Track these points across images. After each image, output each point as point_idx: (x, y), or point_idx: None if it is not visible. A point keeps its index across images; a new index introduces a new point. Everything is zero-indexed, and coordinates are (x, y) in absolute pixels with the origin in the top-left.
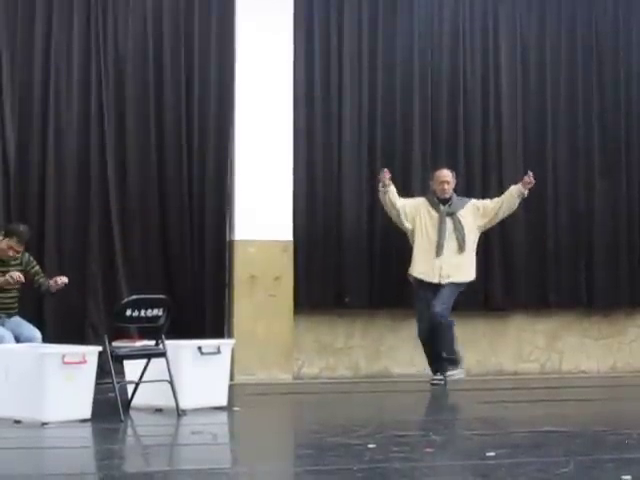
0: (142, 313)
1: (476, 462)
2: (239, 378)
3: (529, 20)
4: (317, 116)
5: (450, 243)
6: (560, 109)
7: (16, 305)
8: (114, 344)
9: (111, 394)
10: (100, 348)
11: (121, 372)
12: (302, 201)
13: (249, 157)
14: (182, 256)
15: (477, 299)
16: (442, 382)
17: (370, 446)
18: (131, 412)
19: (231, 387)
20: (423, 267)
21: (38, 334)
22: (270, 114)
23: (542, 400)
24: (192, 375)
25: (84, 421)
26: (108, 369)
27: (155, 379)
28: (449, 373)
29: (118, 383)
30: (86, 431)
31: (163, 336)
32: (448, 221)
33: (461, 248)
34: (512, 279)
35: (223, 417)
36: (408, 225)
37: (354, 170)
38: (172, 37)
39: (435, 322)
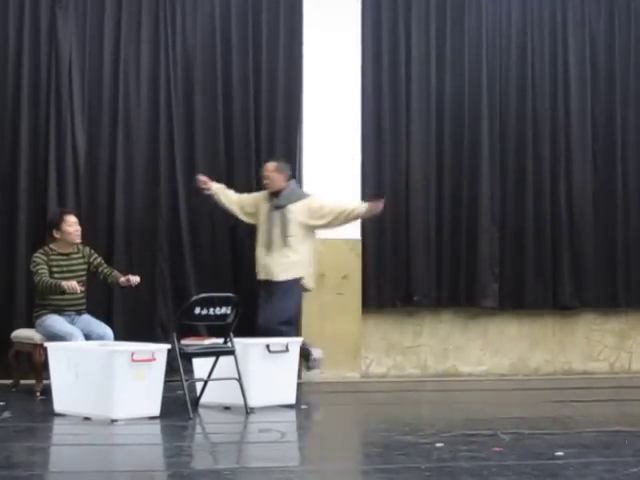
0: (210, 311)
1: (545, 462)
2: (307, 376)
3: (598, 19)
4: (385, 113)
5: (277, 238)
6: (630, 107)
7: (84, 302)
8: (183, 342)
9: (180, 392)
10: (169, 346)
11: (190, 370)
12: (370, 200)
13: (317, 155)
14: (250, 255)
15: (546, 298)
16: None
17: (438, 445)
18: (200, 410)
19: (299, 385)
20: (257, 263)
21: (109, 331)
22: (338, 112)
23: (611, 400)
24: (260, 373)
25: (153, 418)
26: (177, 367)
27: (224, 377)
28: None
29: (187, 381)
30: (155, 428)
31: (231, 334)
32: (275, 215)
33: (284, 244)
34: (581, 278)
35: (291, 415)
36: (249, 219)
37: (422, 169)
38: (240, 34)
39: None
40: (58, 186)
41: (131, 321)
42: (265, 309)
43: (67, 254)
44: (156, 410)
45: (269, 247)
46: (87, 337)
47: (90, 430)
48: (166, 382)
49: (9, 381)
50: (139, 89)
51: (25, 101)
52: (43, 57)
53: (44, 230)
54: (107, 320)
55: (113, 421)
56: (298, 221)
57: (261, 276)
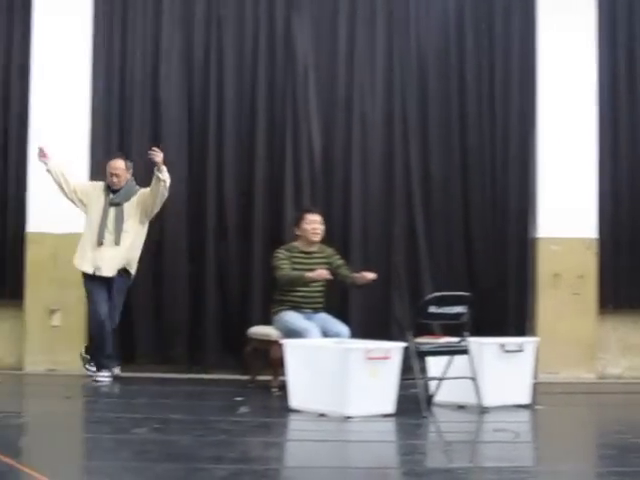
0: (445, 310)
1: None
2: (542, 376)
3: None
4: (621, 111)
5: (110, 235)
6: None
7: (322, 300)
8: (418, 340)
9: (414, 390)
10: (404, 344)
11: (424, 368)
12: (607, 199)
13: (553, 154)
14: (485, 253)
15: None
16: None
17: None
18: (434, 408)
19: (534, 385)
20: (82, 256)
21: (345, 329)
22: (574, 111)
23: None
24: (495, 372)
25: (387, 416)
26: (412, 365)
27: (458, 376)
28: (100, 373)
29: (421, 379)
30: (389, 426)
31: (466, 333)
32: (111, 211)
33: (116, 242)
34: None
35: (525, 415)
36: (79, 206)
37: None
38: (474, 36)
39: (104, 322)
40: (294, 187)
41: (367, 319)
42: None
43: (309, 253)
44: (390, 408)
45: (99, 241)
46: (323, 335)
47: (325, 426)
48: (401, 380)
49: (246, 377)
50: (374, 90)
51: (262, 103)
52: (279, 59)
53: (280, 230)
54: (343, 318)
55: (348, 418)
56: (134, 218)
57: (83, 267)
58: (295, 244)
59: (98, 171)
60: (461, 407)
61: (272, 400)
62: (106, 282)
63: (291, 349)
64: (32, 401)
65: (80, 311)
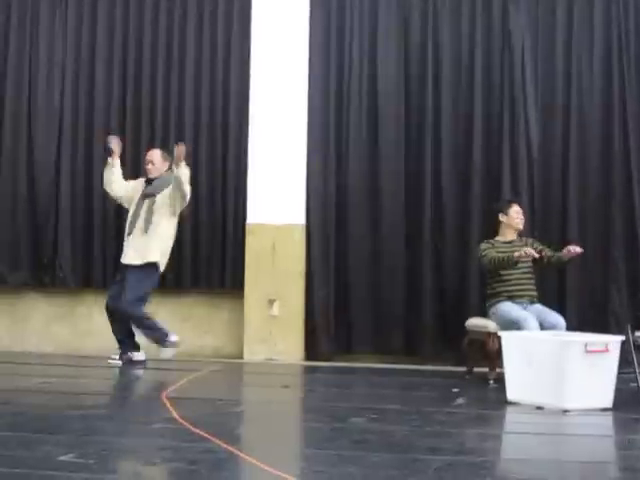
0: None
1: None
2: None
3: None
4: None
5: (140, 225)
6: None
7: (534, 289)
8: (637, 334)
9: (633, 384)
10: (623, 337)
11: None
12: None
13: None
14: None
15: None
16: (118, 362)
17: None
18: None
19: None
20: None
21: (562, 321)
22: None
23: None
24: None
25: (605, 410)
26: (631, 359)
27: None
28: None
29: None
30: (607, 420)
31: None
32: (145, 202)
33: (145, 230)
34: None
35: None
36: (126, 205)
37: None
38: None
39: (121, 312)
40: (511, 180)
41: (584, 311)
42: (123, 296)
43: (510, 242)
44: (608, 402)
45: (129, 230)
46: (539, 326)
47: (542, 419)
48: (619, 374)
49: (463, 368)
50: (592, 80)
51: (478, 96)
52: (495, 51)
53: (497, 222)
54: (560, 310)
55: (565, 411)
56: (165, 208)
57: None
58: (496, 238)
59: (314, 154)
60: None
61: (489, 392)
62: (127, 270)
63: (508, 341)
64: (251, 390)
65: (298, 301)
